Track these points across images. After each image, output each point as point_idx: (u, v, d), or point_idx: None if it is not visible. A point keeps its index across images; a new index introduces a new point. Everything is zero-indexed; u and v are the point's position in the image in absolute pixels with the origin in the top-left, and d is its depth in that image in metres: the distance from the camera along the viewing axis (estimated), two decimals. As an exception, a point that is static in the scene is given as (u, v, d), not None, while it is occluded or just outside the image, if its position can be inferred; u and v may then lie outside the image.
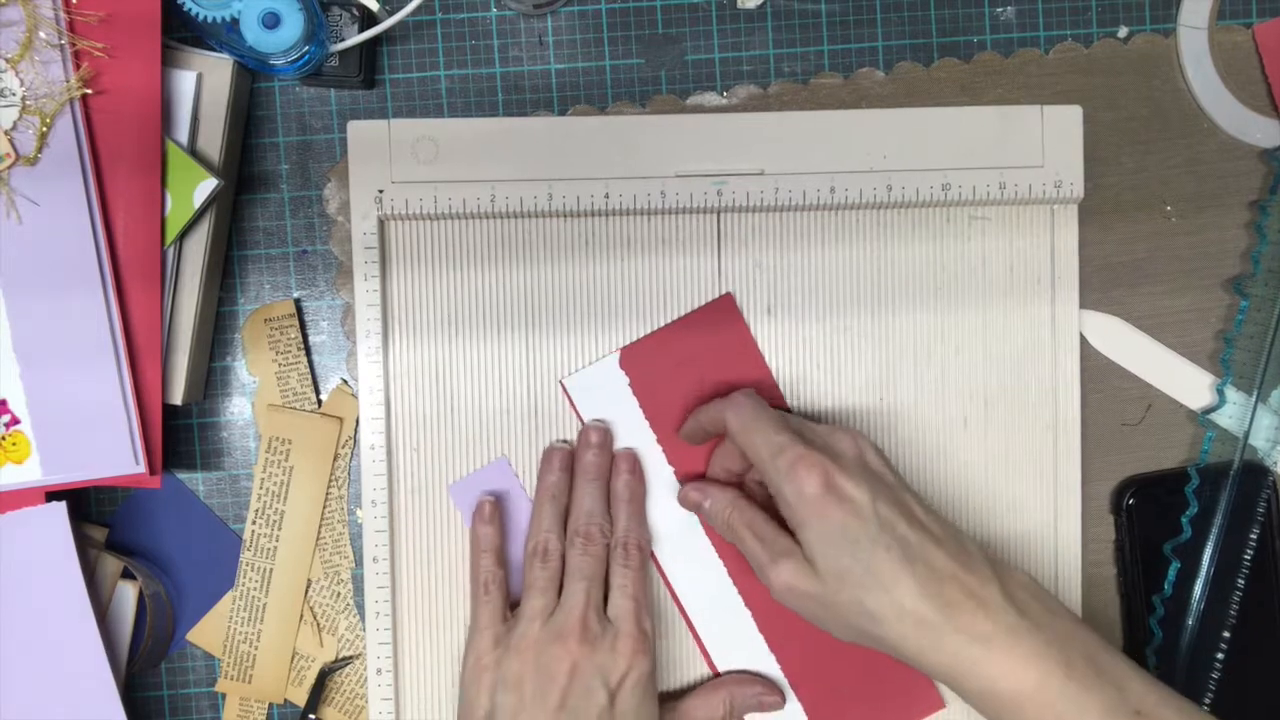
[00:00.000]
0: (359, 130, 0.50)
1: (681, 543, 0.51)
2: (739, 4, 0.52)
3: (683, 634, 0.51)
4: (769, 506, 0.46)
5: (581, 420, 0.51)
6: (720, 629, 0.51)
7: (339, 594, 0.53)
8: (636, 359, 0.51)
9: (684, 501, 0.49)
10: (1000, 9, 0.53)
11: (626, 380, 0.51)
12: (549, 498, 0.49)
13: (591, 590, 0.47)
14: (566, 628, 0.45)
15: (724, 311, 0.51)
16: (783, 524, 0.45)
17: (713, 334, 0.51)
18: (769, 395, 0.51)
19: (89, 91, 0.46)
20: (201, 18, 0.47)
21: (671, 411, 0.51)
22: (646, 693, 0.46)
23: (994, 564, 0.42)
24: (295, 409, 0.52)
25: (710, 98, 0.52)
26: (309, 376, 0.52)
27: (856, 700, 0.50)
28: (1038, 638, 0.40)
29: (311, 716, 0.52)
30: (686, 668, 0.51)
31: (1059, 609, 0.42)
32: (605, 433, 0.50)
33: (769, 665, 0.50)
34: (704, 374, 0.51)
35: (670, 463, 0.51)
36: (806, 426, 0.46)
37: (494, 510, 0.49)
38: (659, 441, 0.51)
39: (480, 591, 0.48)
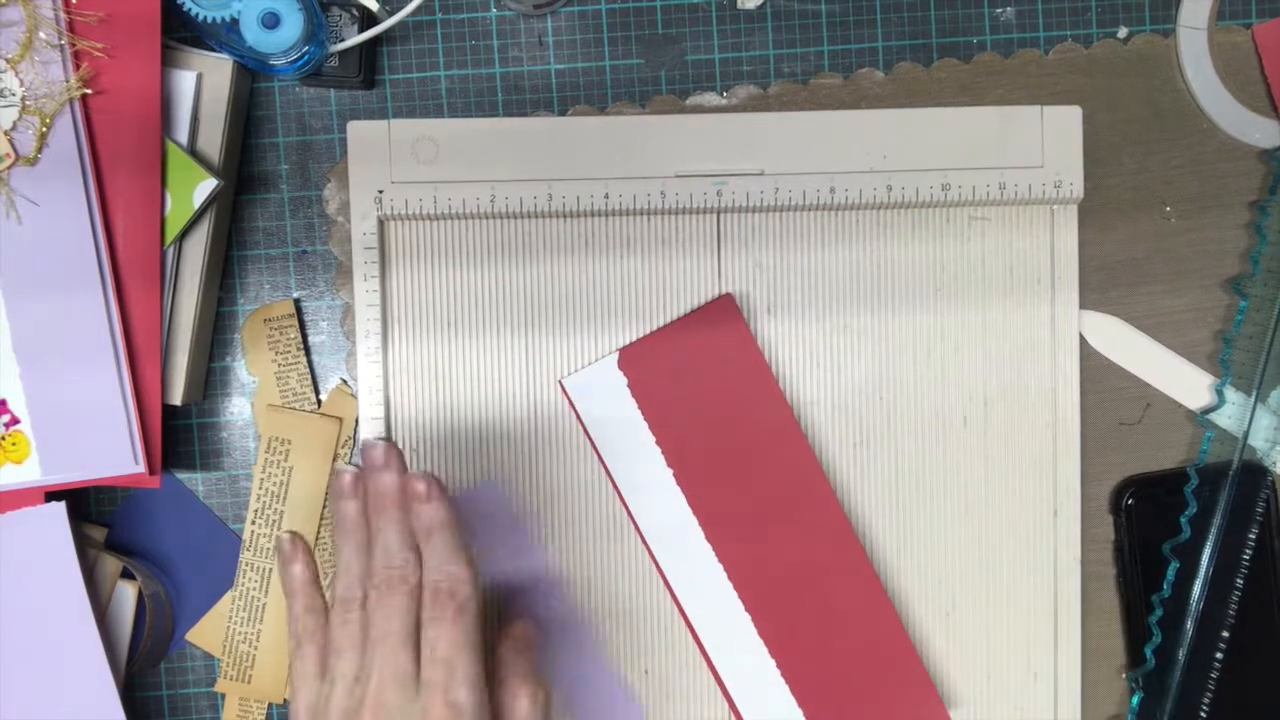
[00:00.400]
0: (359, 130, 0.50)
1: (681, 545, 0.51)
2: (739, 4, 0.52)
3: (684, 636, 0.51)
4: None
5: (582, 422, 0.51)
6: (720, 632, 0.51)
7: (339, 594, 0.53)
8: (635, 360, 0.51)
9: None
10: (1000, 9, 0.53)
11: (625, 381, 0.51)
12: (344, 533, 0.42)
13: (393, 656, 0.39)
14: (366, 703, 0.39)
15: (724, 312, 0.51)
16: None
17: (712, 335, 0.51)
18: (769, 396, 0.51)
19: (89, 91, 0.46)
20: (201, 18, 0.47)
21: (670, 412, 0.51)
22: None
23: None
24: (295, 409, 0.52)
25: (710, 98, 0.52)
26: (309, 376, 0.52)
27: (856, 705, 0.50)
28: None
29: (311, 716, 0.52)
30: (688, 670, 0.51)
31: None
32: (390, 449, 0.43)
33: (768, 668, 0.50)
34: (703, 375, 0.51)
35: (670, 464, 0.51)
36: None
37: (294, 546, 0.43)
38: (658, 443, 0.51)
39: (294, 646, 0.42)
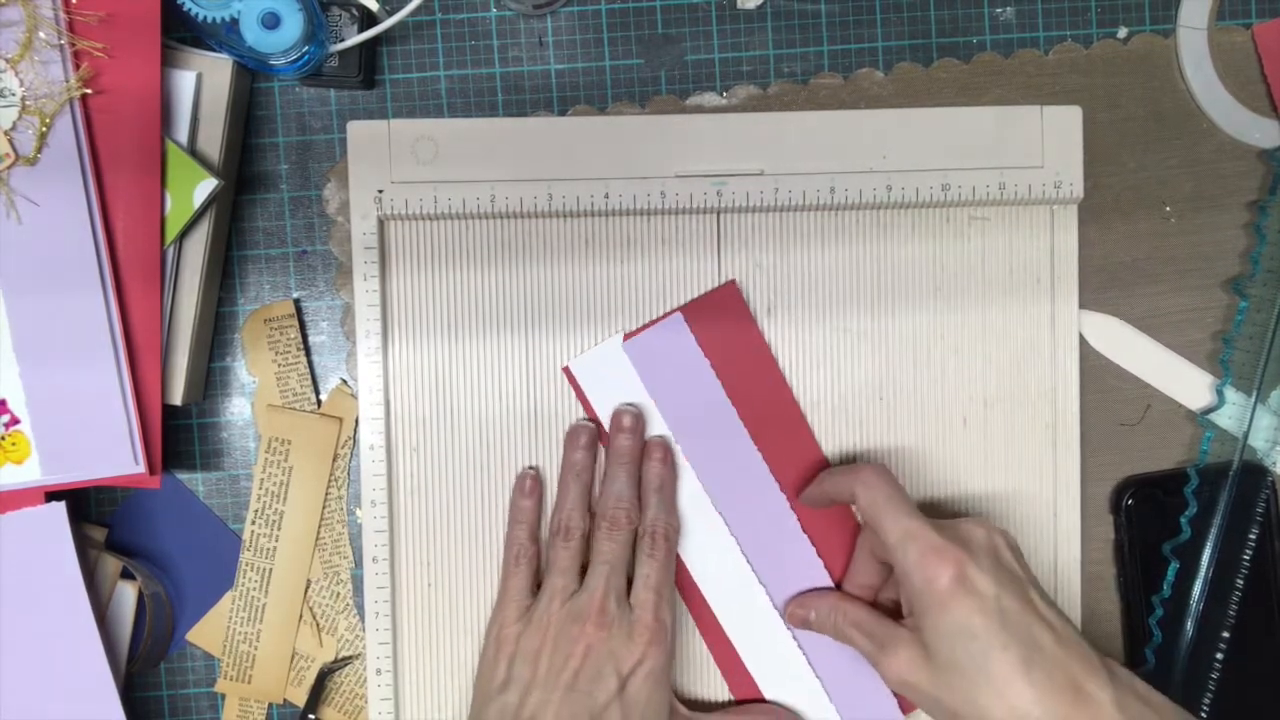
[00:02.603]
0: (359, 130, 0.50)
1: (698, 526, 0.51)
2: (739, 4, 0.52)
3: (699, 622, 0.51)
4: (888, 609, 0.48)
5: (586, 404, 0.51)
6: (735, 605, 0.51)
7: (339, 594, 0.53)
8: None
9: (791, 620, 0.50)
10: (1000, 9, 0.53)
11: (630, 360, 0.51)
12: (573, 475, 0.49)
13: (613, 576, 0.47)
14: (586, 610, 0.46)
15: (727, 297, 0.51)
16: (889, 614, 0.46)
17: (717, 319, 0.51)
18: (770, 377, 0.51)
19: (89, 91, 0.46)
20: (201, 18, 0.47)
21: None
22: (658, 685, 0.46)
23: (1107, 665, 0.42)
24: (295, 409, 0.52)
25: (710, 98, 0.52)
26: (309, 377, 0.52)
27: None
28: None
29: (311, 716, 0.52)
30: (695, 651, 0.52)
31: (1168, 712, 0.41)
32: (638, 416, 0.50)
33: (790, 648, 0.50)
34: (708, 356, 0.51)
35: (678, 440, 0.51)
36: (938, 521, 0.45)
37: (535, 484, 0.50)
38: (665, 419, 0.51)
39: (511, 563, 0.49)
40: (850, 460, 0.52)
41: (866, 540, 0.49)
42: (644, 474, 0.50)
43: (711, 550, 0.51)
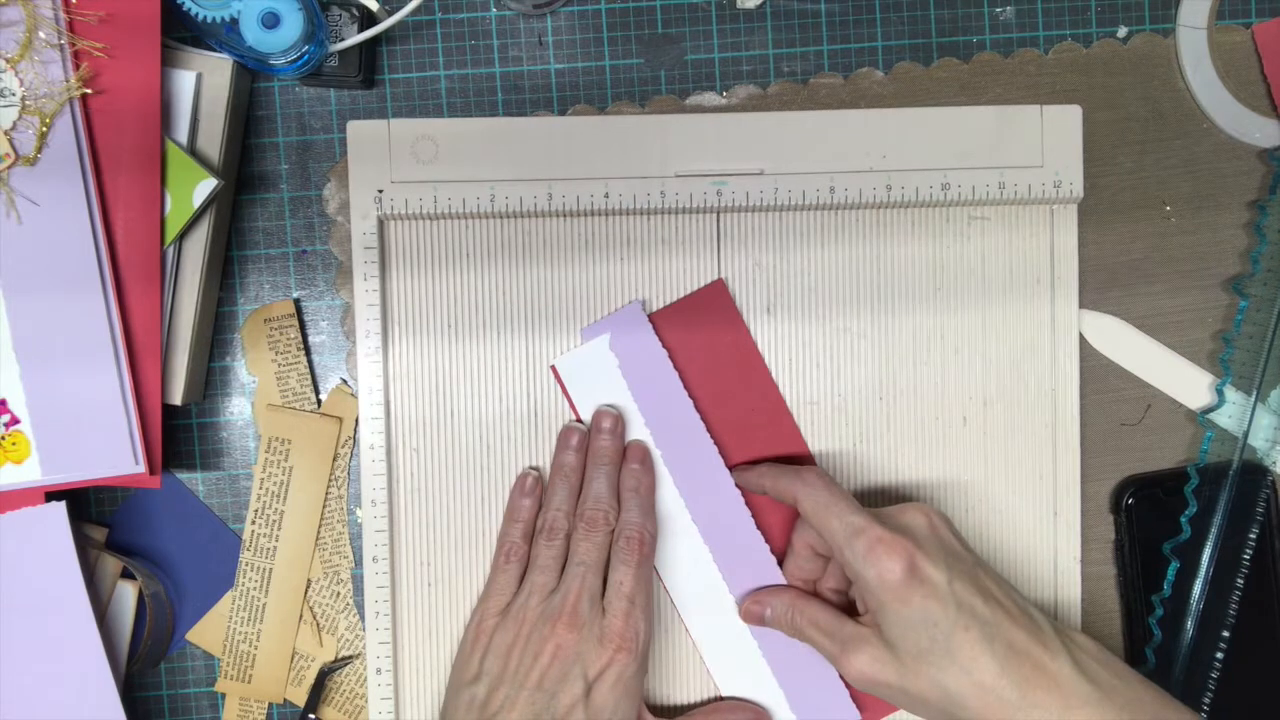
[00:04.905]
0: (358, 130, 0.50)
1: (673, 531, 0.51)
2: (739, 4, 0.52)
3: (674, 628, 0.51)
4: (831, 600, 0.49)
5: (571, 402, 0.51)
6: (703, 608, 0.51)
7: (339, 594, 0.53)
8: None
9: (746, 617, 0.50)
10: (1000, 9, 0.53)
11: (617, 362, 0.51)
12: (562, 476, 0.50)
13: (588, 577, 0.47)
14: (559, 610, 0.46)
15: (716, 297, 0.51)
16: (845, 610, 0.47)
17: (703, 317, 0.51)
18: (758, 377, 0.51)
19: (89, 91, 0.46)
20: (201, 18, 0.47)
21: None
22: (626, 693, 0.46)
23: (1059, 632, 0.43)
24: (295, 409, 0.52)
25: (710, 98, 0.52)
26: (308, 376, 0.52)
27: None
28: (1108, 705, 0.41)
29: (311, 716, 0.52)
30: (680, 661, 0.52)
31: (1124, 672, 0.43)
32: (617, 418, 0.50)
33: (754, 657, 0.50)
34: (695, 356, 0.51)
35: (658, 445, 0.51)
36: (878, 510, 0.46)
37: (535, 484, 0.50)
38: (647, 425, 0.51)
39: (502, 559, 0.49)
40: (849, 466, 0.52)
41: (803, 535, 0.49)
42: (622, 477, 0.50)
43: (684, 557, 0.51)
